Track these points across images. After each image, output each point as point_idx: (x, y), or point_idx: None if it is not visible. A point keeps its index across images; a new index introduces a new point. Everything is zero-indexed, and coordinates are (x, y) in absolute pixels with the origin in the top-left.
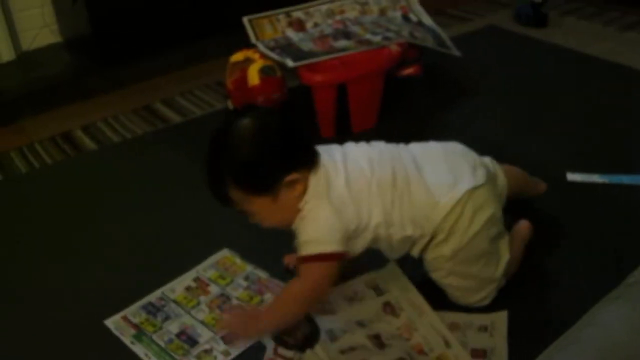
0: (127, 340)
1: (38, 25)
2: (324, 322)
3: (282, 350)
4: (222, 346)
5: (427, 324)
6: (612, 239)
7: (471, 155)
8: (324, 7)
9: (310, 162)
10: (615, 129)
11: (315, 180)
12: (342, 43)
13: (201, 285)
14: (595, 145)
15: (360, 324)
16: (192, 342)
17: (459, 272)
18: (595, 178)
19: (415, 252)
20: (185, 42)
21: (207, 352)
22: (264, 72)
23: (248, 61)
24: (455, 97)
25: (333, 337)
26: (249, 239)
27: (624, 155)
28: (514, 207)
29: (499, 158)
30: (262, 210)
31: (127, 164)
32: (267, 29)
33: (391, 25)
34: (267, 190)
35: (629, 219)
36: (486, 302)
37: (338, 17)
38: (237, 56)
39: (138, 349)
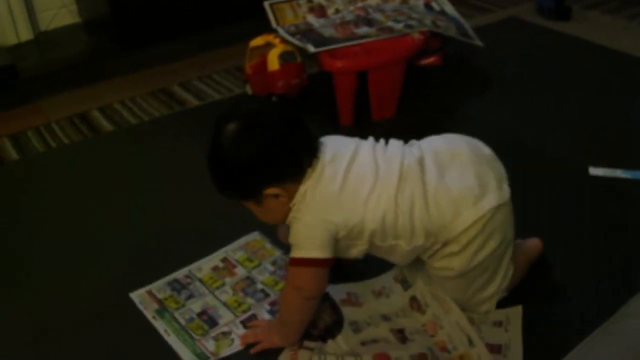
0: (149, 314)
1: (57, 6)
2: (349, 314)
3: (305, 342)
4: (240, 329)
5: (453, 322)
6: (633, 236)
7: (498, 164)
8: None
9: (299, 171)
10: (638, 124)
11: (304, 187)
12: (364, 30)
13: (228, 266)
14: (617, 141)
15: (385, 318)
16: (212, 322)
17: (461, 286)
18: (618, 173)
19: (423, 257)
20: (205, 27)
21: (226, 334)
22: (284, 57)
23: (268, 46)
24: (475, 89)
25: (356, 328)
26: None
27: None
28: (536, 203)
29: (521, 152)
30: (253, 210)
31: (145, 146)
32: (288, 14)
33: (413, 14)
34: (247, 199)
35: None
36: (485, 310)
37: (360, 4)
38: (257, 41)
39: (159, 324)
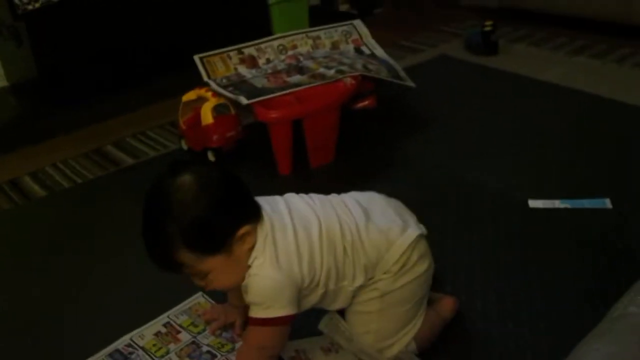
0: None
1: None
2: None
3: None
4: None
5: None
6: (579, 265)
7: (409, 211)
8: (276, 43)
9: (256, 214)
10: (571, 152)
11: (262, 235)
12: (296, 78)
13: (172, 331)
14: (554, 171)
15: None
16: None
17: (384, 314)
18: (557, 204)
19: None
20: (136, 84)
21: None
22: (217, 110)
23: (201, 100)
24: (411, 128)
25: None
26: None
27: (584, 180)
28: (476, 231)
29: (461, 187)
30: (216, 270)
31: (79, 210)
32: (219, 67)
33: (344, 59)
34: (220, 247)
35: (594, 243)
36: (389, 355)
37: (290, 52)
38: (190, 95)
39: None
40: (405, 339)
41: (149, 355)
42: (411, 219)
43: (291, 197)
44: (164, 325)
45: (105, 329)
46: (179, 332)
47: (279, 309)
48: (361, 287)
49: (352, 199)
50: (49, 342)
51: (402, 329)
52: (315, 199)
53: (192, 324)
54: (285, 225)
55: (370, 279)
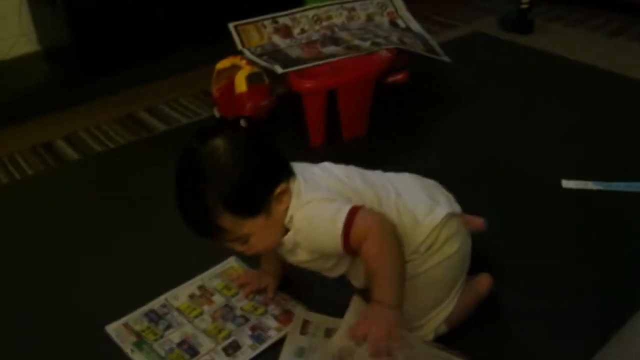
0: (126, 348)
1: (15, 34)
2: None
3: None
4: (222, 357)
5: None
6: (610, 246)
7: (444, 190)
8: (311, 13)
9: (288, 172)
10: (606, 135)
11: (296, 192)
12: (331, 49)
13: (205, 294)
14: (588, 152)
15: None
16: (193, 351)
17: (413, 296)
18: (590, 185)
19: None
20: (170, 51)
21: None
22: (251, 79)
23: (235, 68)
24: (444, 105)
25: None
26: None
27: (618, 162)
28: (509, 211)
29: (493, 165)
30: (257, 232)
31: (113, 174)
32: (253, 36)
33: (379, 31)
34: (261, 208)
35: (626, 226)
36: (422, 335)
37: (325, 23)
38: (223, 63)
39: (137, 357)
40: (435, 321)
41: (184, 316)
42: (444, 198)
43: (327, 164)
44: (198, 287)
45: (140, 291)
46: (212, 294)
47: (340, 212)
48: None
49: (384, 176)
50: (84, 302)
51: (432, 309)
52: (352, 168)
53: (226, 287)
54: (318, 182)
55: None
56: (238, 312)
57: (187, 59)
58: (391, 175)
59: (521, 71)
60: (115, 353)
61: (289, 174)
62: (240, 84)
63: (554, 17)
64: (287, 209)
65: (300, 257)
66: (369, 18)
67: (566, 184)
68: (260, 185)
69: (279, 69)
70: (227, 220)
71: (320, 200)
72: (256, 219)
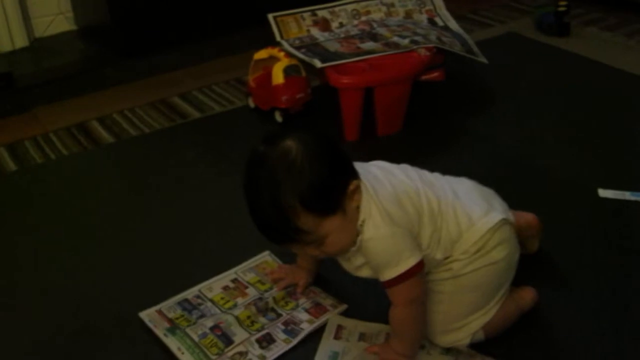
0: (160, 333)
1: (53, 12)
2: None
3: None
4: (257, 350)
5: None
6: None
7: (500, 198)
8: (350, 7)
9: (355, 170)
10: None
11: (365, 191)
12: (369, 45)
13: (239, 286)
14: (626, 162)
15: None
16: (227, 340)
17: (456, 296)
18: (628, 196)
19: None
20: (206, 37)
21: (242, 354)
22: (288, 71)
23: (272, 59)
24: (479, 105)
25: None
26: None
27: None
28: (542, 217)
29: (527, 170)
30: (333, 232)
31: (147, 159)
32: (292, 27)
33: (418, 29)
34: (337, 205)
35: None
36: (457, 339)
37: (364, 18)
38: (261, 53)
39: (171, 341)
40: (474, 325)
41: (217, 307)
42: (498, 203)
43: (382, 162)
44: (232, 280)
45: (174, 281)
46: (246, 287)
47: (409, 259)
48: (436, 265)
49: (443, 178)
50: (119, 287)
51: (471, 314)
52: (408, 167)
53: (259, 281)
54: (381, 180)
55: (447, 257)
56: (270, 305)
57: (221, 45)
58: (449, 178)
59: (557, 75)
60: (149, 338)
61: (355, 172)
62: (277, 76)
63: (591, 21)
64: (358, 207)
65: (355, 263)
66: (408, 15)
67: (602, 193)
68: (335, 182)
69: (318, 63)
70: (306, 221)
71: (390, 231)
72: (333, 218)
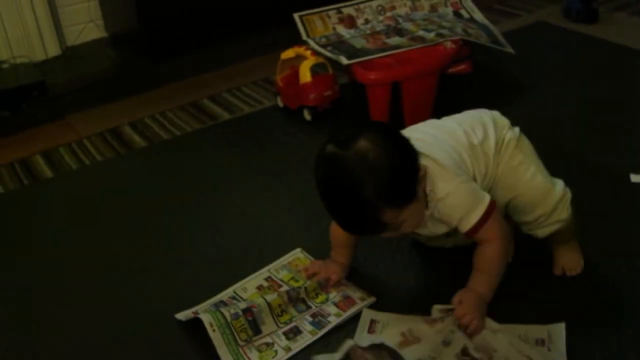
0: (193, 314)
1: (84, 20)
2: (410, 354)
3: None
4: (284, 341)
5: (506, 343)
6: None
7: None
8: (375, 4)
9: (416, 151)
10: None
11: (427, 162)
12: (395, 40)
13: (273, 285)
14: None
15: (446, 343)
16: (256, 328)
17: (530, 156)
18: None
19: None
20: (233, 39)
21: (269, 345)
22: (315, 69)
23: (299, 58)
24: (507, 96)
25: None
26: (317, 238)
27: None
28: (578, 210)
29: (559, 157)
30: (410, 216)
31: (180, 162)
32: (317, 26)
33: (443, 22)
34: (414, 194)
35: None
36: (557, 216)
37: (389, 14)
38: (288, 53)
39: (204, 317)
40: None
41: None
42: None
43: (412, 127)
44: (266, 279)
45: (207, 282)
46: (280, 285)
47: (484, 198)
48: (498, 155)
49: (449, 118)
50: (150, 291)
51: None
52: (425, 123)
53: (293, 278)
54: (429, 143)
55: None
56: (302, 295)
57: (247, 46)
58: (453, 117)
59: (586, 62)
60: (185, 338)
61: (417, 153)
62: (305, 74)
63: (619, 7)
64: (424, 185)
65: (430, 226)
66: (433, 8)
67: (635, 178)
68: (409, 174)
69: (344, 60)
70: (389, 215)
71: (460, 181)
72: (411, 206)
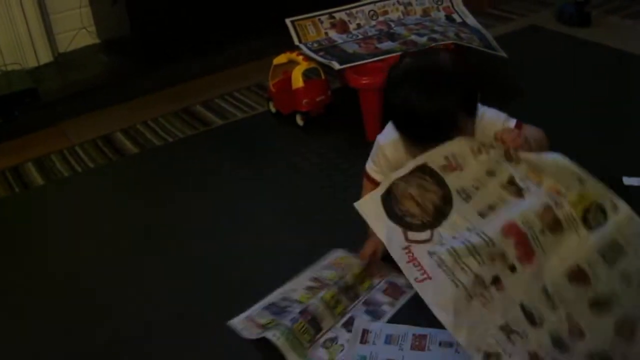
0: (252, 336)
1: (75, 27)
2: (453, 181)
3: (413, 235)
4: (345, 334)
5: (552, 163)
6: None
7: None
8: (367, 8)
9: None
10: None
11: None
12: (387, 44)
13: (321, 285)
14: None
15: (490, 174)
16: (316, 326)
17: None
18: None
19: None
20: (225, 44)
21: (333, 340)
22: (308, 74)
23: (291, 63)
24: (500, 99)
25: (466, 196)
26: (309, 242)
27: None
28: None
29: None
30: (465, 130)
31: (173, 168)
32: (310, 31)
33: (436, 26)
34: (475, 111)
35: None
36: None
37: (381, 18)
38: (280, 58)
39: (267, 333)
40: None
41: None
42: None
43: None
44: (312, 280)
45: (194, 289)
46: (327, 284)
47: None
48: None
49: None
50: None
51: None
52: None
53: (340, 277)
54: None
55: None
56: (350, 282)
57: (241, 52)
58: None
59: (579, 65)
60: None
61: None
62: (297, 80)
63: (612, 10)
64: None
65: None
66: (425, 13)
67: (627, 180)
68: (477, 92)
69: (336, 65)
70: (460, 117)
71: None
72: (472, 121)
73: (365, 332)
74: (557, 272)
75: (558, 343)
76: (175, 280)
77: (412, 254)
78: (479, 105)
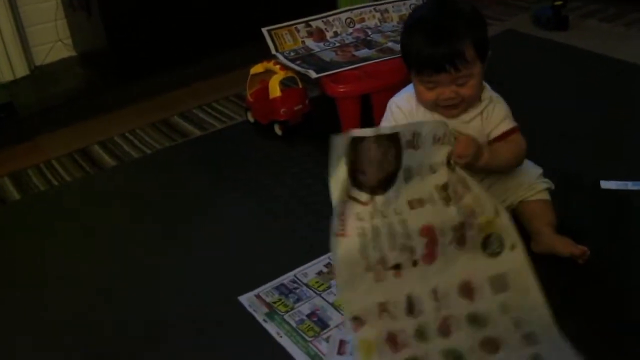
0: (260, 317)
1: (52, 40)
2: (406, 157)
3: (355, 192)
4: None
5: (480, 188)
6: None
7: None
8: (344, 16)
9: None
10: None
11: None
12: (364, 52)
13: (333, 270)
14: (626, 152)
15: (432, 170)
16: (323, 324)
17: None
18: (630, 186)
19: None
20: (203, 55)
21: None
22: (285, 83)
23: (268, 73)
24: None
25: (408, 176)
26: (290, 253)
27: None
28: None
29: None
30: (474, 77)
31: (151, 180)
32: (286, 40)
33: None
34: (485, 58)
35: None
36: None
37: (358, 26)
38: (257, 68)
39: (270, 327)
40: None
41: (312, 290)
42: None
43: None
44: (325, 265)
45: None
46: None
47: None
48: None
49: None
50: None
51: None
52: None
53: None
54: None
55: None
56: None
57: (219, 62)
58: None
59: (557, 69)
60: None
61: None
62: (274, 89)
63: (589, 13)
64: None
65: (465, 118)
66: (402, 19)
67: (605, 184)
68: (488, 39)
69: (313, 74)
70: (469, 52)
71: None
72: (481, 66)
73: (342, 342)
74: (451, 281)
75: (421, 335)
76: (153, 294)
77: (346, 209)
78: (498, 96)
